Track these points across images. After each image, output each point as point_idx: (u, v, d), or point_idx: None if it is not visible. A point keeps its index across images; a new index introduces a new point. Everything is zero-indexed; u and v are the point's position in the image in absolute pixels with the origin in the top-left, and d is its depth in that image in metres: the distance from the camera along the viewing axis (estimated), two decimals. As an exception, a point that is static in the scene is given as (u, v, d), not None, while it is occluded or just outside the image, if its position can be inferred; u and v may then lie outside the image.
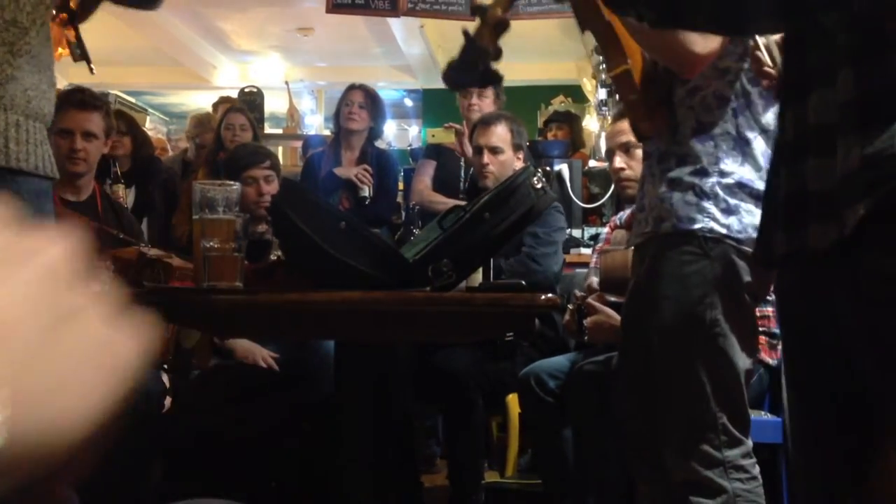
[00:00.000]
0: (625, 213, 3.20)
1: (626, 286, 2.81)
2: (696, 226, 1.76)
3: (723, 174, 1.77)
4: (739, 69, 1.77)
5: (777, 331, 2.80)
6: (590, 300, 2.80)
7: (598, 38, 1.69)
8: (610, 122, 4.57)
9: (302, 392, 3.03)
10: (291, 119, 6.93)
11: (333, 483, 2.57)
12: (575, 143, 5.50)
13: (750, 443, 1.80)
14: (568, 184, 4.26)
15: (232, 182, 2.15)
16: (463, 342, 3.18)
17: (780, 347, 2.78)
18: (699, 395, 1.76)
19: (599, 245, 3.26)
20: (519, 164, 3.29)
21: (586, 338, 2.80)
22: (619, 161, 2.84)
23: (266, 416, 2.84)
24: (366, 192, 4.11)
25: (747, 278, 1.77)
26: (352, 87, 4.30)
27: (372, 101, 4.25)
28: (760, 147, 1.79)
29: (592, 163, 4.59)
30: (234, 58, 9.50)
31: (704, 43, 1.67)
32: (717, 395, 1.76)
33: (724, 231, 1.76)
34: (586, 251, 3.96)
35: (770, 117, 1.80)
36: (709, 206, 1.77)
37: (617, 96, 1.97)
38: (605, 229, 3.35)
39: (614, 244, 3.02)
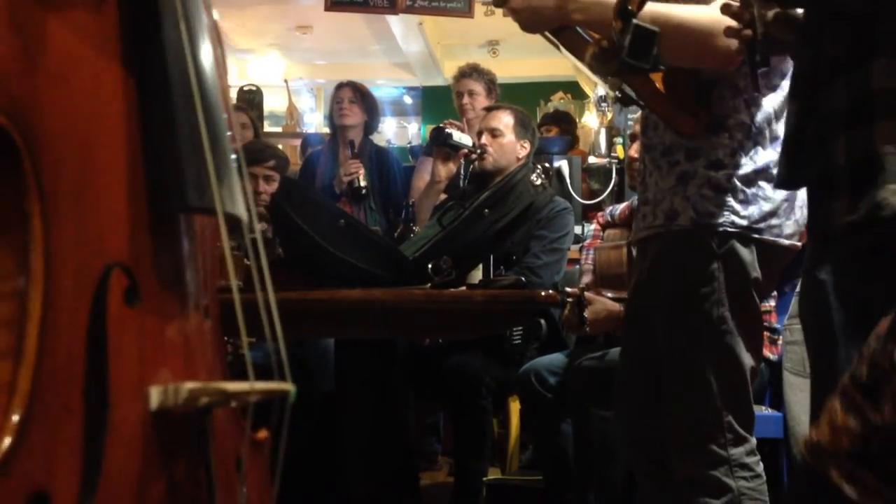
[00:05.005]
0: (616, 209, 3.19)
1: (622, 282, 2.81)
2: (718, 220, 1.73)
3: (738, 165, 1.74)
4: (741, 50, 1.74)
5: (777, 326, 2.80)
6: (588, 293, 2.80)
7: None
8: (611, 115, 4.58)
9: (302, 390, 3.03)
10: (291, 117, 6.93)
11: (334, 481, 2.57)
12: (570, 142, 5.48)
13: (754, 440, 1.79)
14: (568, 180, 4.26)
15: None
16: (472, 345, 3.18)
17: (780, 343, 2.78)
18: (705, 393, 1.75)
19: (587, 241, 3.25)
20: (523, 153, 3.26)
21: (587, 328, 2.80)
22: (633, 150, 2.82)
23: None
24: (360, 182, 4.09)
25: (755, 274, 1.75)
26: (340, 86, 4.31)
27: (361, 95, 4.25)
28: (773, 133, 1.77)
29: (592, 159, 4.58)
30: (232, 56, 9.49)
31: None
32: (722, 394, 1.75)
33: (745, 223, 1.73)
34: (586, 248, 3.96)
35: (775, 104, 1.77)
36: (727, 198, 1.74)
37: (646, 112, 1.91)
38: (592, 225, 3.34)
39: (607, 241, 3.02)
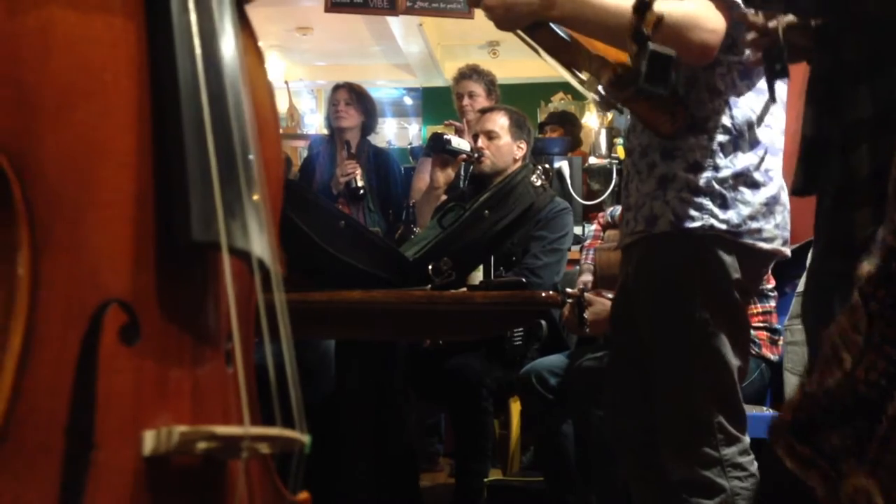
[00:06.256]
0: (617, 210, 3.20)
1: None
2: (696, 224, 1.73)
3: (717, 168, 1.74)
4: (729, 61, 1.74)
5: (778, 326, 2.80)
6: (588, 294, 2.80)
7: (591, 68, 1.65)
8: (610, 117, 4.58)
9: (303, 392, 3.03)
10: (291, 119, 6.93)
11: (334, 482, 2.57)
12: (572, 143, 5.48)
13: (747, 439, 1.79)
14: (568, 181, 4.26)
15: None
16: (473, 346, 3.18)
17: (780, 343, 2.78)
18: (694, 396, 1.75)
19: (588, 241, 3.25)
20: (520, 153, 3.26)
21: (587, 329, 2.80)
22: None
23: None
24: (357, 182, 4.09)
25: (736, 276, 1.75)
26: (336, 87, 4.32)
27: (358, 97, 4.25)
28: (753, 136, 1.76)
29: (592, 160, 4.58)
30: (233, 58, 9.50)
31: (713, 28, 1.64)
32: (711, 394, 1.75)
33: (724, 227, 1.73)
34: (587, 248, 3.96)
35: (756, 109, 1.77)
36: (706, 202, 1.73)
37: (628, 113, 1.90)
38: (593, 225, 3.34)
39: (608, 241, 3.02)
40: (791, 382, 2.66)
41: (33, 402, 0.67)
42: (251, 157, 0.82)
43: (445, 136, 3.34)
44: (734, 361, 1.77)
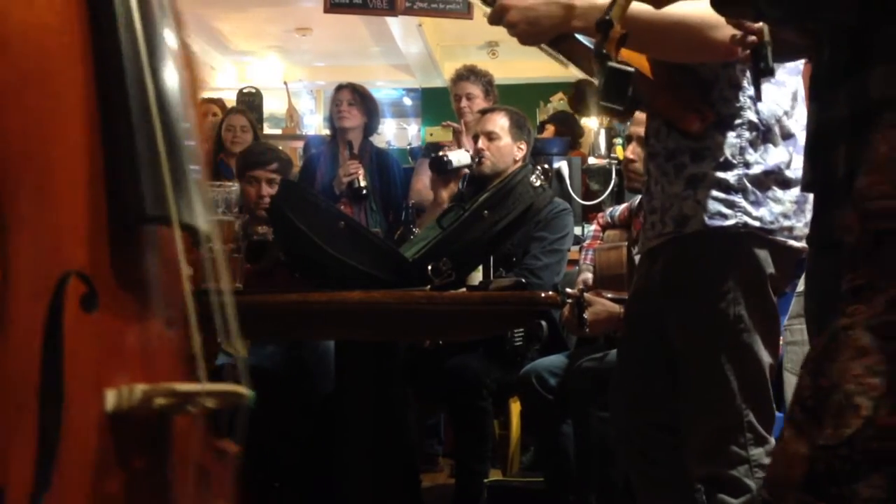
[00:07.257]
0: (617, 210, 3.20)
1: (622, 283, 2.81)
2: (729, 222, 1.72)
3: (748, 165, 1.73)
4: (747, 56, 1.74)
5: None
6: (587, 294, 2.80)
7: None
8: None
9: (303, 392, 3.03)
10: (290, 119, 6.94)
11: (334, 482, 2.57)
12: (570, 143, 5.48)
13: (773, 441, 1.76)
14: (567, 181, 4.26)
15: (231, 183, 2.16)
16: (473, 347, 3.18)
17: (780, 343, 2.78)
18: (725, 393, 1.73)
19: (587, 242, 3.25)
20: (520, 154, 3.26)
21: (587, 329, 2.80)
22: (630, 151, 2.82)
23: (267, 416, 2.84)
24: (359, 182, 4.09)
25: (770, 271, 1.74)
26: (339, 87, 4.31)
27: (361, 97, 4.25)
28: (784, 129, 1.75)
29: (592, 160, 4.58)
30: (232, 58, 9.50)
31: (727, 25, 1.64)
32: (743, 392, 1.73)
33: (757, 224, 1.72)
34: (587, 249, 3.96)
35: (784, 101, 1.76)
36: (738, 199, 1.72)
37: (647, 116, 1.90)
38: (593, 226, 3.34)
39: (607, 242, 3.02)
40: (791, 382, 2.66)
41: (9, 366, 0.74)
42: (189, 130, 0.88)
43: (445, 158, 3.31)
44: (766, 359, 1.75)
